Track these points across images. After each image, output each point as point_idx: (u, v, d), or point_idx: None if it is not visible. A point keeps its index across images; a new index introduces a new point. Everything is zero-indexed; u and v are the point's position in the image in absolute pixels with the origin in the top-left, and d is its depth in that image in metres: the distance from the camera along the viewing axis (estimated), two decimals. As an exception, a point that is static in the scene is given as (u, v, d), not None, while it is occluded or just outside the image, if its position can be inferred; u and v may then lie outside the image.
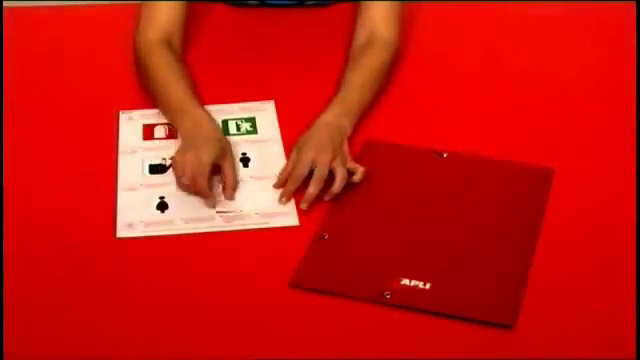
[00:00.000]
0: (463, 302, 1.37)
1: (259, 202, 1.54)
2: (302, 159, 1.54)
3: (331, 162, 1.53)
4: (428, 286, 1.40)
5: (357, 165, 1.56)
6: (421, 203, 1.55)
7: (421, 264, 1.43)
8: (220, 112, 1.70)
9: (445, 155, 1.63)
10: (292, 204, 1.53)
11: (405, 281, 1.40)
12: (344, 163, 1.55)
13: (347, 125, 1.63)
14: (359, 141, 1.66)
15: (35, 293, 1.40)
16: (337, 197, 1.53)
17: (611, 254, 1.46)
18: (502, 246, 1.47)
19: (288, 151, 1.60)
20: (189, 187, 1.53)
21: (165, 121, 1.67)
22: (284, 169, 1.57)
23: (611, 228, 1.50)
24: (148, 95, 1.72)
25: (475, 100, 1.77)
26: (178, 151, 1.56)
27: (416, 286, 1.40)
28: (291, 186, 1.53)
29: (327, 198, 1.53)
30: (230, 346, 1.33)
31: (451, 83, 1.82)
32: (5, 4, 2.02)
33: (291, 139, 1.63)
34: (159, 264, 1.45)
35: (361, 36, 1.80)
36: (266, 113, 1.72)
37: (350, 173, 1.55)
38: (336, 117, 1.63)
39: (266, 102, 1.74)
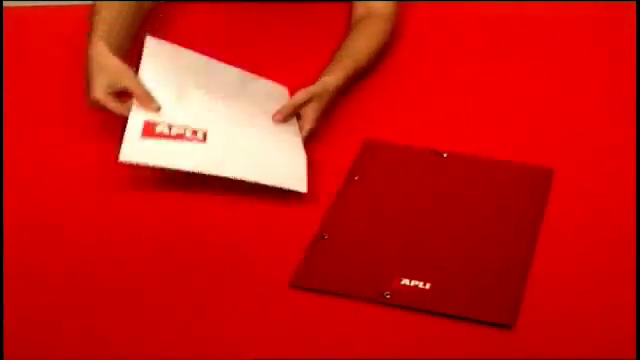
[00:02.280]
0: (463, 302, 1.37)
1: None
2: (307, 128, 1.62)
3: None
4: (428, 286, 1.40)
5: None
6: (421, 203, 1.55)
7: (421, 264, 1.43)
8: None
9: (445, 155, 1.63)
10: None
11: (405, 281, 1.40)
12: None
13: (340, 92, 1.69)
14: (359, 141, 1.66)
15: (35, 293, 1.40)
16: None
17: (611, 254, 1.46)
18: (502, 246, 1.47)
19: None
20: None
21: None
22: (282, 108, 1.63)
23: (611, 228, 1.50)
24: None
25: (475, 100, 1.77)
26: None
27: (416, 286, 1.40)
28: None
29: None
30: (230, 346, 1.33)
31: (451, 83, 1.82)
32: (5, 4, 2.02)
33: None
34: (159, 264, 1.45)
35: (359, 12, 1.83)
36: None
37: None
38: (341, 85, 1.68)
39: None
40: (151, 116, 1.54)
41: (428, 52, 1.90)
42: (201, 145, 1.52)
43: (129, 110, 1.55)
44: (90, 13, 1.70)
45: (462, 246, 1.47)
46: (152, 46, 1.66)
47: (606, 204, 1.55)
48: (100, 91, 1.55)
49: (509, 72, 1.85)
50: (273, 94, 1.71)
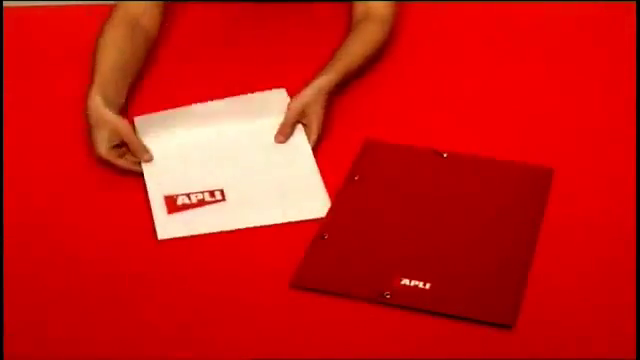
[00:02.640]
0: (463, 302, 1.37)
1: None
2: (313, 139, 1.64)
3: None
4: (428, 286, 1.40)
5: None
6: (421, 203, 1.55)
7: (421, 264, 1.43)
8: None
9: (445, 155, 1.63)
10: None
11: (405, 281, 1.40)
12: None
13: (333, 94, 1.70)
14: (359, 141, 1.66)
15: (35, 293, 1.40)
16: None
17: (611, 254, 1.46)
18: (502, 246, 1.47)
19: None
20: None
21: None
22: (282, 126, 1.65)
23: (611, 228, 1.50)
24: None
25: (475, 100, 1.77)
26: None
27: (416, 286, 1.40)
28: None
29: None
30: (230, 346, 1.33)
31: (451, 83, 1.82)
32: (5, 4, 2.02)
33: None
34: (159, 264, 1.45)
35: (358, 13, 1.84)
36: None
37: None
38: (333, 88, 1.69)
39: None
40: (167, 188, 1.57)
41: (428, 52, 1.90)
42: (223, 204, 1.55)
43: (136, 164, 1.60)
44: (92, 52, 1.73)
45: (462, 246, 1.47)
46: (141, 124, 1.68)
47: (606, 204, 1.55)
48: (103, 148, 1.58)
49: (509, 72, 1.84)
50: (271, 104, 1.70)
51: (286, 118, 1.65)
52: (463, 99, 1.77)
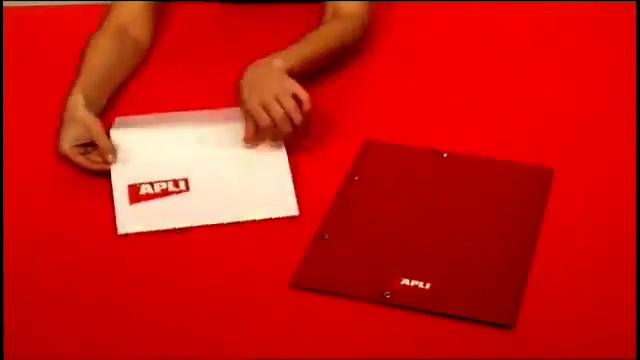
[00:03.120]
0: (463, 302, 1.37)
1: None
2: (254, 111, 1.57)
3: (277, 97, 1.56)
4: (428, 286, 1.40)
5: (301, 91, 1.58)
6: (421, 203, 1.55)
7: (421, 264, 1.43)
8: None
9: (445, 155, 1.63)
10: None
11: (405, 281, 1.40)
12: (287, 93, 1.57)
13: (280, 62, 1.63)
14: (359, 141, 1.66)
15: (35, 293, 1.40)
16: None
17: (611, 254, 1.46)
18: (502, 246, 1.47)
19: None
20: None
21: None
22: (248, 128, 1.59)
23: (611, 228, 1.50)
24: None
25: (475, 100, 1.77)
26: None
27: (416, 286, 1.40)
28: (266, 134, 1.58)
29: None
30: (230, 346, 1.33)
31: (451, 83, 1.82)
32: (5, 4, 2.02)
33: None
34: (158, 264, 1.45)
35: (327, 13, 1.82)
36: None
37: (298, 101, 1.57)
38: (268, 59, 1.64)
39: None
40: (131, 177, 1.56)
41: (428, 52, 1.90)
42: (186, 195, 1.54)
43: (95, 163, 1.58)
44: (80, 54, 1.74)
45: (462, 246, 1.47)
46: (119, 123, 1.68)
47: (606, 204, 1.55)
48: (67, 144, 1.59)
49: (509, 72, 1.85)
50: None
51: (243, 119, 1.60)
52: (463, 99, 1.77)
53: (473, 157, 1.63)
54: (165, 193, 1.54)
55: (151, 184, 1.55)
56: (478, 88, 1.80)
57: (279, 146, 1.61)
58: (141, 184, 1.55)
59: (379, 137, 1.67)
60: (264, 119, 1.56)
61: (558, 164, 1.61)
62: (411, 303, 1.37)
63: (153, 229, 1.49)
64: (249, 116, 1.58)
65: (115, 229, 1.50)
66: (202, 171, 1.58)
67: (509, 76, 1.84)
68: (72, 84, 1.66)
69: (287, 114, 1.56)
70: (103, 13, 1.83)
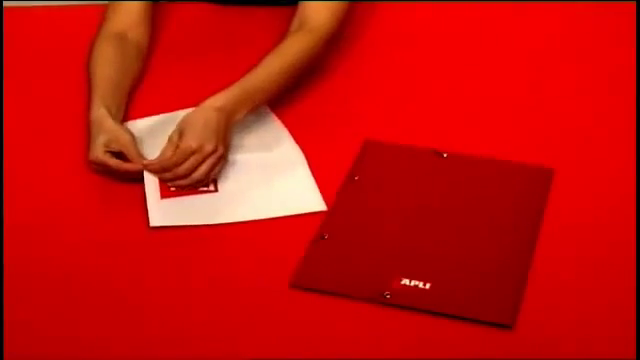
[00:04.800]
0: (463, 302, 1.37)
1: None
2: (183, 148, 1.52)
3: (210, 154, 1.53)
4: (428, 286, 1.40)
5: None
6: (421, 203, 1.55)
7: (421, 264, 1.43)
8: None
9: (445, 155, 1.63)
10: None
11: (405, 281, 1.40)
12: (220, 157, 1.55)
13: (240, 116, 1.60)
14: (359, 141, 1.66)
15: (35, 293, 1.40)
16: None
17: (611, 254, 1.46)
18: (502, 246, 1.47)
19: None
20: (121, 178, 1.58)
21: None
22: (162, 153, 1.55)
23: (611, 228, 1.50)
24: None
25: (475, 100, 1.77)
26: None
27: (416, 286, 1.40)
28: (165, 175, 1.54)
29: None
30: (230, 346, 1.33)
31: (451, 83, 1.82)
32: (5, 4, 2.02)
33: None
34: (159, 264, 1.45)
35: (294, 23, 1.77)
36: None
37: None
38: (230, 103, 1.59)
39: None
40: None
41: (428, 52, 1.90)
42: (215, 195, 1.55)
43: (129, 165, 1.57)
44: (86, 67, 1.75)
45: (462, 246, 1.47)
46: (133, 125, 1.69)
47: (606, 204, 1.55)
48: (99, 150, 1.58)
49: (509, 72, 1.85)
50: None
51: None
52: (463, 99, 1.78)
53: (473, 157, 1.63)
54: (194, 191, 1.55)
55: None
56: (478, 88, 1.80)
57: (294, 148, 1.63)
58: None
59: (379, 137, 1.67)
60: (179, 160, 1.54)
61: (558, 164, 1.61)
62: (411, 303, 1.37)
63: (186, 224, 1.50)
64: (173, 147, 1.55)
65: (115, 230, 1.50)
66: (229, 171, 1.58)
67: (509, 76, 1.84)
68: (90, 98, 1.66)
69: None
70: (103, 13, 1.83)
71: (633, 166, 1.61)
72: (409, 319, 1.36)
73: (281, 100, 1.74)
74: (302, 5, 1.77)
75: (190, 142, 1.53)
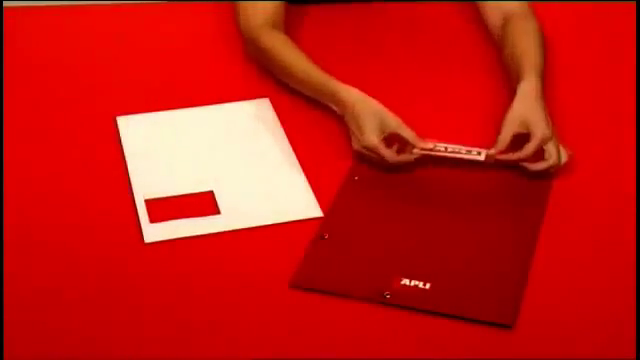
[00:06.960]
0: (463, 302, 1.37)
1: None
2: (543, 139, 1.56)
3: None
4: (428, 286, 1.40)
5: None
6: (421, 203, 1.55)
7: (421, 264, 1.43)
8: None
9: (445, 155, 1.63)
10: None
11: (405, 281, 1.40)
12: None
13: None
14: (359, 141, 1.66)
15: (35, 293, 1.40)
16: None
17: (611, 254, 1.46)
18: (502, 246, 1.47)
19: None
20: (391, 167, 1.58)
21: None
22: (525, 149, 1.56)
23: (611, 228, 1.50)
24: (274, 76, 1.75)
25: (475, 100, 1.77)
26: (353, 141, 1.60)
27: (416, 286, 1.40)
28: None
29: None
30: (230, 346, 1.33)
31: (451, 83, 1.82)
32: (5, 4, 2.02)
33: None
34: (159, 264, 1.45)
35: (496, 20, 1.83)
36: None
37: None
38: (540, 86, 1.64)
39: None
40: (150, 191, 1.55)
41: (428, 52, 1.90)
42: (218, 217, 1.53)
43: (399, 156, 1.57)
44: (277, 63, 1.74)
45: (462, 246, 1.47)
46: (124, 123, 1.68)
47: (606, 206, 1.55)
48: (374, 136, 1.56)
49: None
50: (254, 112, 1.72)
51: (504, 132, 1.58)
52: (463, 99, 1.77)
53: (473, 157, 1.63)
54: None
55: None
56: (478, 88, 1.80)
57: (289, 152, 1.63)
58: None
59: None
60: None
61: (558, 166, 1.61)
62: (411, 303, 1.37)
63: (177, 237, 1.49)
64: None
65: (115, 230, 1.50)
66: (225, 182, 1.57)
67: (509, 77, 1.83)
68: (321, 85, 1.66)
69: None
70: (103, 13, 1.83)
71: (633, 167, 1.61)
72: (409, 319, 1.36)
73: (281, 100, 1.74)
74: (494, 6, 1.84)
75: (546, 131, 1.55)
